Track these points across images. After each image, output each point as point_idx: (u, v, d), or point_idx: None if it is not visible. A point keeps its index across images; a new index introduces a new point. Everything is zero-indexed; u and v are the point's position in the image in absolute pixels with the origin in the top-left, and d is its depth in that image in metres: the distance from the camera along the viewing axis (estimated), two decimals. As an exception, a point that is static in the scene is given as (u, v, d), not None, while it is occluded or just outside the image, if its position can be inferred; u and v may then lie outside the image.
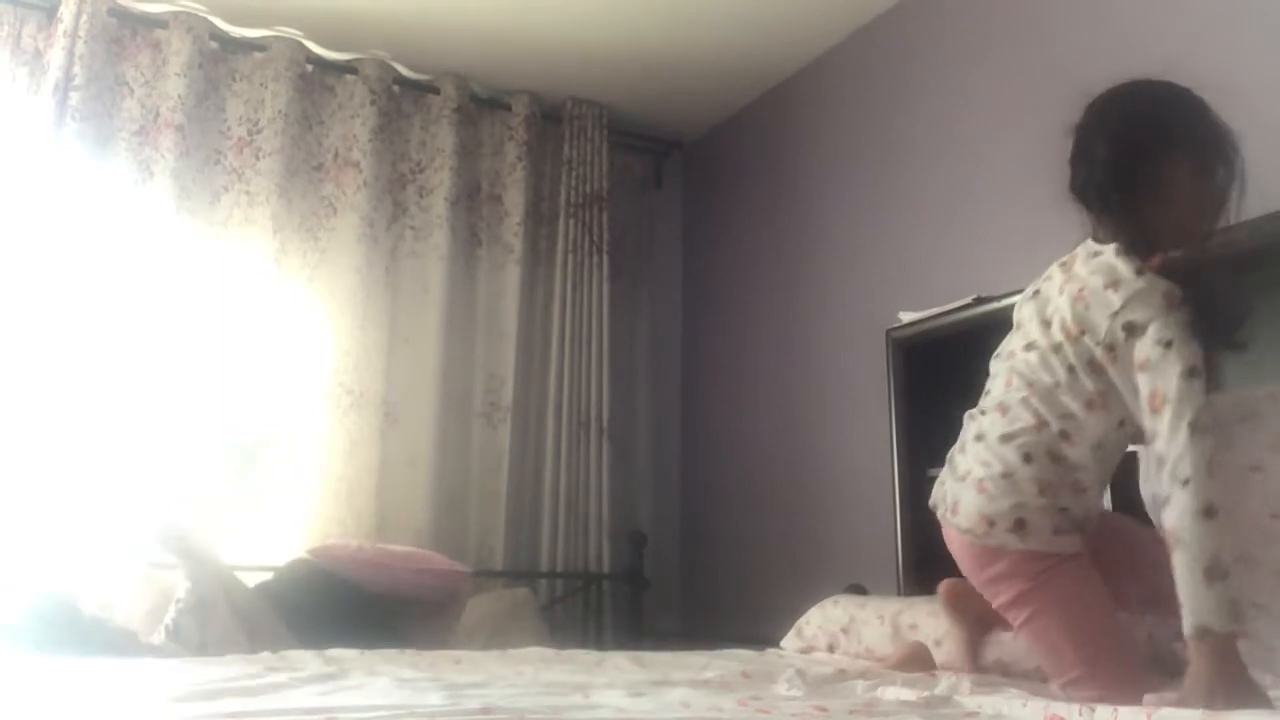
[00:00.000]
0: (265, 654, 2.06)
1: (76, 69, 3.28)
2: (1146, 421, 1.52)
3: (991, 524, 1.67)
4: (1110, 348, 1.58)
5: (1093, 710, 1.27)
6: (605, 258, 4.03)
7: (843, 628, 2.53)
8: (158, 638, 2.51)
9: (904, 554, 2.90)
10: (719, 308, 4.15)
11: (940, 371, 2.93)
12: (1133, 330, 1.54)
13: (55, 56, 3.26)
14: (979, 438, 1.76)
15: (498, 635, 2.92)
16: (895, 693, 1.55)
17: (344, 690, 1.46)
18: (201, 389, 3.30)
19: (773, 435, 3.70)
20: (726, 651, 2.43)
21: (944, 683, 1.69)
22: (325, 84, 3.76)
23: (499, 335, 3.87)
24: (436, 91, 3.90)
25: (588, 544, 3.77)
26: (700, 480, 4.12)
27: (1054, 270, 1.76)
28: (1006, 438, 1.70)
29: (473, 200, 3.93)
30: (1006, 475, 1.67)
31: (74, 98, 3.26)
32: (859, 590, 2.92)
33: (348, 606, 2.67)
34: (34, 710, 1.29)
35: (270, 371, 3.42)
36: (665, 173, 4.47)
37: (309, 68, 3.72)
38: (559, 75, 3.94)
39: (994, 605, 1.75)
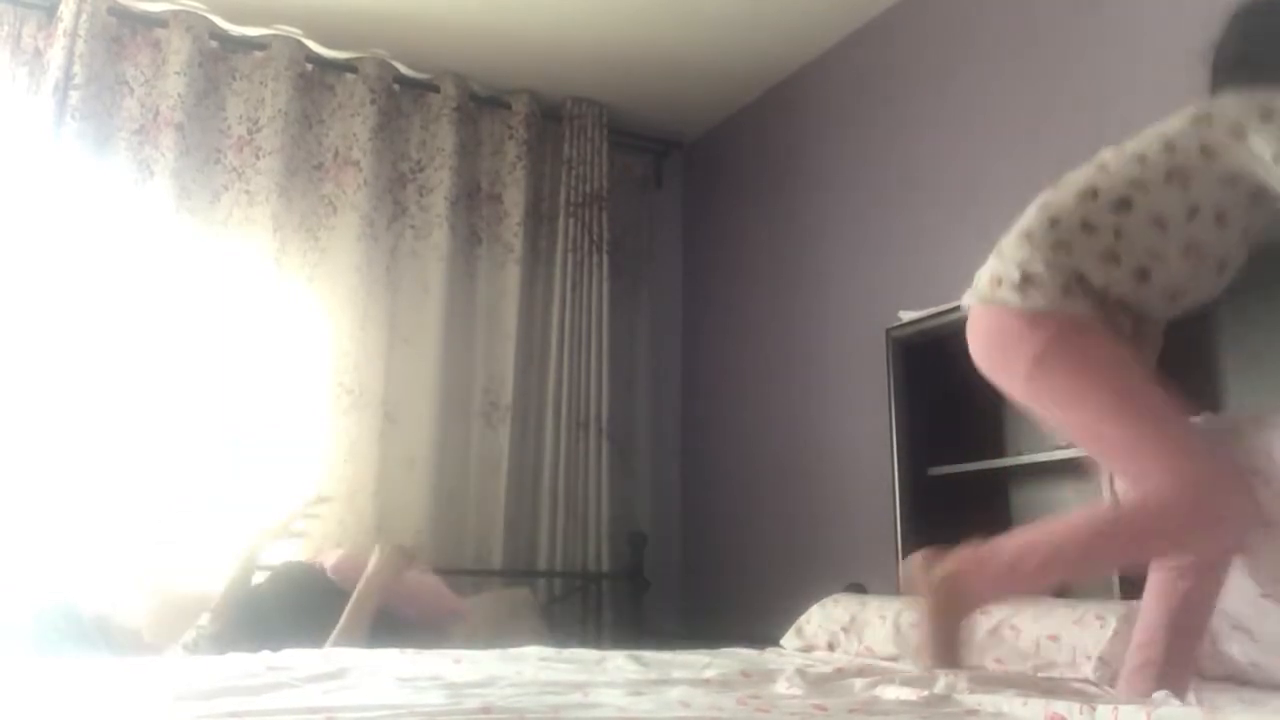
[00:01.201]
0: (265, 653, 2.06)
1: (76, 68, 3.28)
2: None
3: (999, 282, 1.57)
4: (1238, 125, 1.49)
5: (1094, 709, 1.27)
6: (605, 257, 4.03)
7: (843, 626, 2.53)
8: (172, 653, 2.53)
9: (904, 553, 2.90)
10: (719, 307, 4.15)
11: (940, 371, 2.93)
12: (1270, 117, 1.45)
13: (55, 56, 3.26)
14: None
15: (498, 635, 2.92)
16: (894, 691, 1.55)
17: (344, 690, 1.46)
18: (201, 389, 3.30)
19: (772, 434, 3.70)
20: (726, 650, 2.43)
21: (943, 681, 1.69)
22: (325, 83, 3.76)
23: (499, 335, 3.87)
24: (436, 90, 3.89)
25: (587, 543, 3.77)
26: (700, 480, 4.11)
27: None
28: (1044, 205, 1.61)
29: (473, 199, 3.93)
30: (1026, 234, 1.58)
31: (74, 97, 3.26)
32: (859, 589, 2.92)
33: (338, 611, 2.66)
34: (36, 709, 1.29)
35: (270, 371, 3.42)
36: (665, 172, 4.47)
37: (309, 66, 3.71)
38: (559, 74, 3.94)
39: (1012, 393, 1.59)
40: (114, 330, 3.20)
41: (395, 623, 2.71)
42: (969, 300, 1.64)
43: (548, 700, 1.34)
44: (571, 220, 4.01)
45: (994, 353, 1.58)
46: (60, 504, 3.01)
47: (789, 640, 2.65)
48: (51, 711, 1.28)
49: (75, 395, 3.10)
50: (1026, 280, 1.52)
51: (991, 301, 1.56)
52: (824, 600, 2.71)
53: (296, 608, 2.63)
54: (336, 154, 3.71)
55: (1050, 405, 1.54)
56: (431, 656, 2.03)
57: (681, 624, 3.93)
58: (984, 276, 1.62)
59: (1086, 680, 1.90)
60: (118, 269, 3.23)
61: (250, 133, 3.58)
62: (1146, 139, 1.60)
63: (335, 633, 2.53)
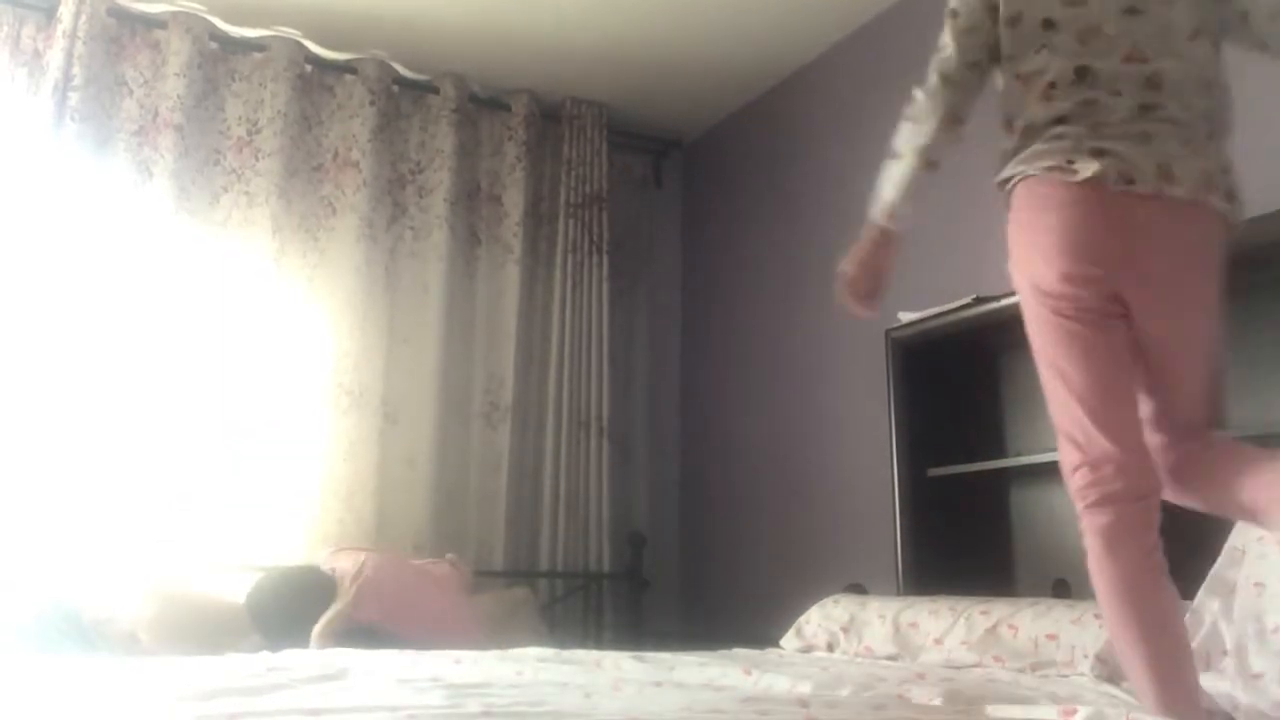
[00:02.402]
0: (265, 654, 2.06)
1: (75, 69, 3.28)
2: None
3: (1228, 197, 1.54)
4: None
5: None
6: (605, 257, 4.03)
7: (843, 626, 2.53)
8: None
9: (904, 554, 2.90)
10: (719, 308, 4.15)
11: (940, 371, 2.93)
12: None
13: (54, 57, 3.26)
14: (1154, 86, 1.58)
15: (498, 635, 2.92)
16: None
17: (344, 690, 1.46)
18: (201, 390, 3.30)
19: (772, 435, 3.70)
20: (726, 651, 2.43)
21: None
22: (324, 84, 3.76)
23: (498, 335, 3.87)
24: (436, 91, 3.89)
25: (587, 544, 3.77)
26: (700, 480, 4.11)
27: None
28: (1205, 84, 1.58)
29: (472, 200, 3.93)
30: (1214, 137, 1.57)
31: (73, 98, 3.26)
32: (858, 590, 2.92)
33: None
34: (38, 709, 1.29)
35: (269, 372, 3.42)
36: (665, 172, 4.47)
37: (308, 68, 3.71)
38: (558, 75, 3.94)
39: (1184, 293, 1.57)
40: (114, 332, 3.19)
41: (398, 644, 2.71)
42: (1211, 200, 1.55)
43: (548, 701, 1.34)
44: (571, 221, 4.01)
45: (1205, 256, 1.57)
46: (60, 505, 3.01)
47: (788, 641, 2.65)
48: (52, 712, 1.28)
49: (75, 396, 3.10)
50: (1233, 196, 1.54)
51: (1216, 208, 1.54)
52: (823, 601, 2.71)
53: (299, 613, 2.62)
54: (336, 155, 3.71)
55: (1207, 310, 1.58)
56: (431, 657, 2.03)
57: (681, 624, 3.93)
58: (1203, 177, 1.53)
59: (1083, 675, 1.90)
60: (117, 270, 3.23)
61: (249, 134, 3.58)
62: None
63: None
